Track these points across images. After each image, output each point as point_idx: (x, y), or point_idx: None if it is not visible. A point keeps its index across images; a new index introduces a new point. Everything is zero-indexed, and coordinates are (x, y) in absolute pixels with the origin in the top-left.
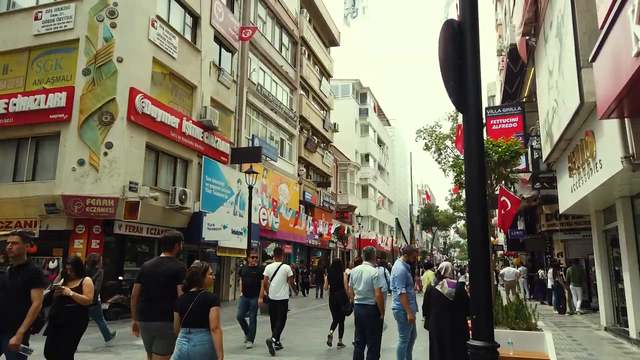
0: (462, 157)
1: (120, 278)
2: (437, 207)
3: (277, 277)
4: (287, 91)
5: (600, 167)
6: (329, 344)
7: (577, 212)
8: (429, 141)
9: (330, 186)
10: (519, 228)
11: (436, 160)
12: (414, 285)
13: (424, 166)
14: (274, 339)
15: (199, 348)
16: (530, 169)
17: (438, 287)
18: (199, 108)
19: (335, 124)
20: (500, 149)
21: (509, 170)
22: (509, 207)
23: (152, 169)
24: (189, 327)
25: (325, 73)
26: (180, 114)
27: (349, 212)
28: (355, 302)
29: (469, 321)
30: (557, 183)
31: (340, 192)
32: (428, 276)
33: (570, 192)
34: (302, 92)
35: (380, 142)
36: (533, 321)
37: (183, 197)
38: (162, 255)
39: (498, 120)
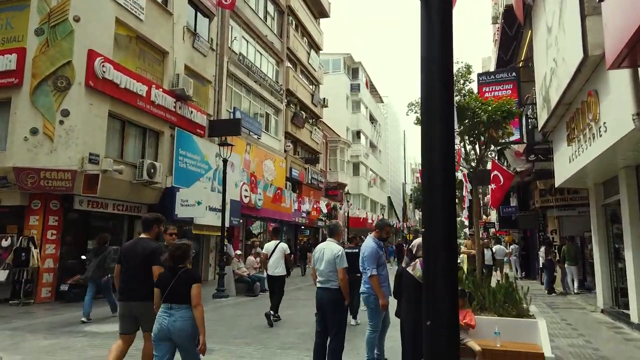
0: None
1: (84, 257)
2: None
3: (275, 254)
4: (273, 63)
5: (605, 131)
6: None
7: (574, 185)
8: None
9: (319, 163)
10: (511, 205)
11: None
12: (386, 266)
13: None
14: (272, 312)
15: (179, 323)
16: (525, 140)
17: (409, 269)
18: (171, 76)
19: (324, 99)
20: (490, 108)
21: (500, 132)
22: (501, 182)
23: (118, 140)
24: (170, 303)
25: (314, 45)
26: (149, 81)
27: (339, 190)
28: (317, 285)
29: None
30: (553, 155)
31: (330, 169)
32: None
33: (568, 163)
34: (289, 64)
35: (372, 119)
36: (525, 306)
37: (152, 170)
38: (141, 235)
39: (491, 88)
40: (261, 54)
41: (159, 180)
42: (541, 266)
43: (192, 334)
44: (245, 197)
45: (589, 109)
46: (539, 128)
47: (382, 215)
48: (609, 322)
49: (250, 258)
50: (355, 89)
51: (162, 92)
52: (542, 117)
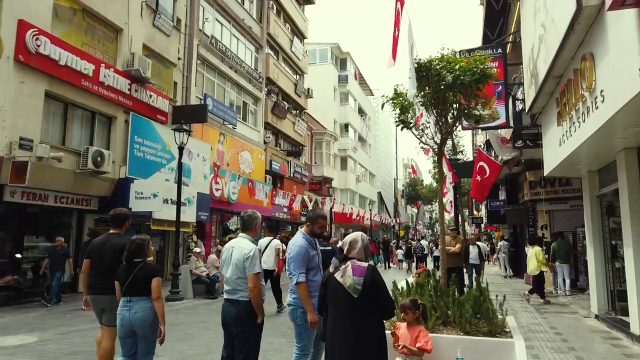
0: (405, 86)
1: (19, 256)
2: (422, 181)
3: (268, 251)
4: (252, 49)
5: (602, 101)
6: None
7: (566, 174)
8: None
9: (302, 155)
10: (500, 198)
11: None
12: (320, 269)
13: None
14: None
15: (139, 314)
16: (511, 124)
17: (338, 275)
18: (126, 55)
19: (309, 89)
20: (457, 67)
21: (473, 102)
22: (487, 174)
23: (59, 125)
24: (129, 296)
25: (298, 33)
26: (97, 60)
27: (325, 184)
28: (224, 295)
29: (397, 326)
30: (542, 140)
31: (315, 162)
32: (536, 253)
33: (559, 147)
34: (270, 51)
35: (361, 112)
36: (500, 318)
37: (99, 159)
38: (111, 231)
39: None
40: (237, 39)
41: (108, 170)
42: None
43: (153, 324)
44: (217, 190)
45: (583, 77)
46: (527, 109)
47: (371, 210)
48: (605, 331)
49: (212, 256)
50: (343, 80)
51: (113, 72)
52: (530, 96)
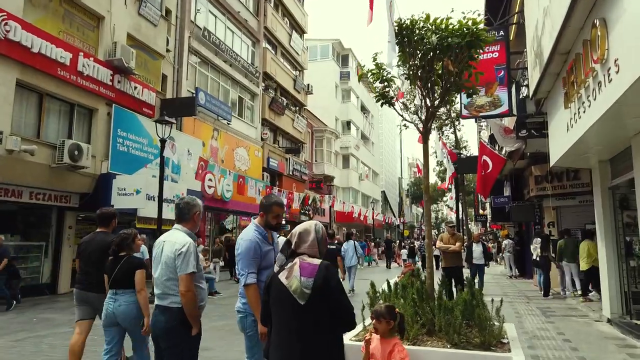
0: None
1: None
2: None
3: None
4: (249, 43)
5: (616, 72)
6: None
7: (574, 164)
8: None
9: (301, 152)
10: (505, 194)
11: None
12: (273, 267)
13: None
14: None
15: (123, 307)
16: (514, 112)
17: (282, 276)
18: (108, 45)
19: (308, 85)
20: (442, 27)
21: (462, 67)
22: (490, 169)
23: (34, 116)
24: (115, 289)
25: (297, 27)
26: (76, 48)
27: (326, 183)
28: (155, 301)
29: (369, 338)
30: (547, 130)
31: (316, 160)
32: (589, 247)
33: (566, 132)
34: (267, 46)
35: (364, 110)
36: (496, 326)
37: (76, 153)
38: (98, 230)
39: None
40: (233, 32)
41: (87, 165)
42: (533, 261)
43: (137, 317)
44: (210, 187)
45: (593, 47)
46: (531, 94)
47: (374, 210)
48: (619, 338)
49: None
50: (345, 77)
51: (93, 61)
52: (534, 79)
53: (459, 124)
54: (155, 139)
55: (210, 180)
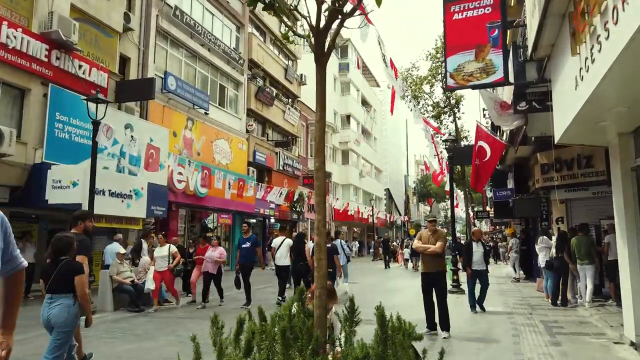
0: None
1: None
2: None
3: (282, 248)
4: (232, 28)
5: None
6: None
7: (585, 140)
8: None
9: (293, 146)
10: (508, 187)
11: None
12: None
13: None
14: (279, 297)
15: (56, 310)
16: (511, 80)
17: None
18: (44, 15)
19: (302, 75)
20: None
21: None
22: (487, 157)
23: None
24: (51, 293)
25: None
26: None
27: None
28: None
29: None
30: (552, 102)
31: (311, 155)
32: None
33: (574, 90)
34: (254, 31)
35: (365, 103)
36: None
37: None
38: (72, 231)
39: (463, 5)
40: (212, 14)
41: (11, 152)
42: (546, 263)
43: (67, 320)
44: (180, 181)
45: None
46: (530, 49)
47: (374, 207)
48: None
49: (145, 258)
50: (343, 68)
51: (22, 32)
52: (533, 26)
53: (458, 111)
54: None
55: (180, 174)
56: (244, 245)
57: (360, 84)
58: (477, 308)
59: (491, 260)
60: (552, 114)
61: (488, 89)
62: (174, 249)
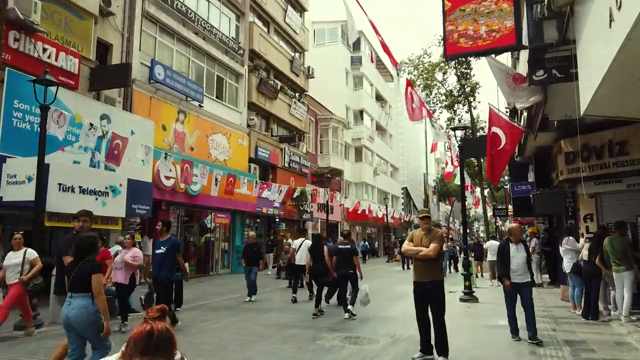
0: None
1: None
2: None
3: (302, 249)
4: (231, 16)
5: None
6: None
7: (620, 108)
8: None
9: (300, 142)
10: (529, 180)
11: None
12: None
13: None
14: (294, 295)
15: (74, 311)
16: (526, 43)
17: None
18: None
19: (309, 67)
20: None
21: None
22: (502, 144)
23: None
24: (71, 292)
25: (295, 3)
26: None
27: (333, 177)
28: None
29: None
30: (576, 68)
31: (321, 152)
32: None
33: (608, 28)
34: (256, 20)
35: (379, 98)
36: None
37: None
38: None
39: None
40: (208, 1)
41: None
42: (566, 269)
43: (87, 322)
44: (168, 178)
45: None
46: None
47: (387, 206)
48: None
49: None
50: (356, 61)
51: None
52: None
53: (474, 100)
54: (80, 116)
55: (170, 171)
56: (158, 251)
57: (374, 78)
58: (520, 333)
59: None
60: (576, 85)
61: (497, 58)
62: (32, 254)
